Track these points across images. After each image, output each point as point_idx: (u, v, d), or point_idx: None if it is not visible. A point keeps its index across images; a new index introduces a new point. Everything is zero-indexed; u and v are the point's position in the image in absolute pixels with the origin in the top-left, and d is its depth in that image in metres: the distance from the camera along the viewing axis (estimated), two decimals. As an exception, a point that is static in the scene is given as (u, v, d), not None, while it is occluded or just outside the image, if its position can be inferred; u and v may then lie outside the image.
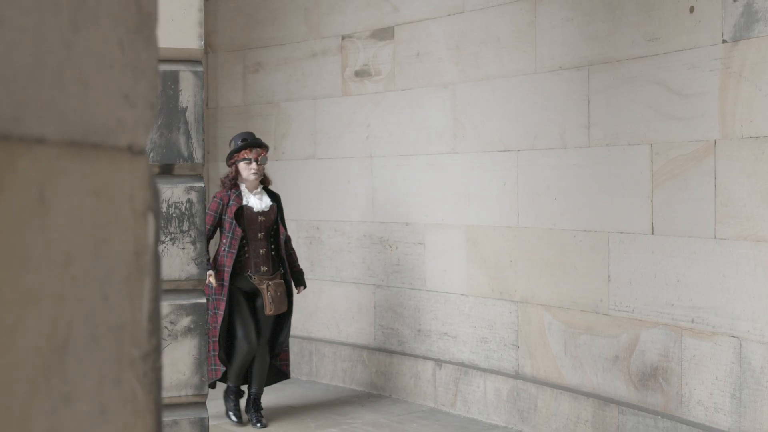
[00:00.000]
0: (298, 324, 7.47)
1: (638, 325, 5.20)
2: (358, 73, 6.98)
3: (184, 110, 3.28)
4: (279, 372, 6.11)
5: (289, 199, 7.50)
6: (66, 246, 0.74)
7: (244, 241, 5.84)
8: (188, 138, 3.29)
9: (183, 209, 3.32)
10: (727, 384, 4.69)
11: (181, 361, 3.31)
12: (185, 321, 3.32)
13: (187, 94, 3.28)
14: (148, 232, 0.87)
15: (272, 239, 5.98)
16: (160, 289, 0.90)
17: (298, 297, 7.45)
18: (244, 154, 5.88)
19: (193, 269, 3.32)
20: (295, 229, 7.47)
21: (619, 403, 5.29)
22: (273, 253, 5.96)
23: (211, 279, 5.74)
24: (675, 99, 4.96)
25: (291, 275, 6.04)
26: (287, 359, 6.12)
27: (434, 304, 6.50)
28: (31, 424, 0.70)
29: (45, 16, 0.73)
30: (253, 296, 5.94)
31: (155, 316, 0.88)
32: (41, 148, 0.72)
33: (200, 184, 3.34)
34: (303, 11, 7.32)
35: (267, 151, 6.01)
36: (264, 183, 6.03)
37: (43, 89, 0.73)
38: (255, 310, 5.94)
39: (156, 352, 0.89)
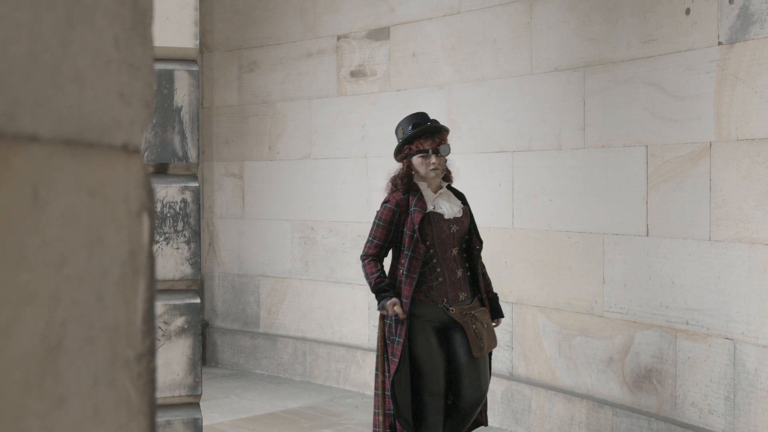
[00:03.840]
0: (292, 324, 7.46)
1: (633, 326, 5.20)
2: (353, 73, 6.97)
3: (179, 109, 3.27)
4: (474, 421, 4.53)
5: (283, 199, 7.49)
6: (60, 245, 0.74)
7: (435, 261, 4.34)
8: (183, 137, 3.28)
9: (177, 209, 3.31)
10: (721, 386, 4.69)
11: (174, 361, 3.30)
12: (179, 321, 3.31)
13: (182, 93, 3.27)
14: (143, 232, 0.86)
15: (465, 254, 4.50)
16: (154, 290, 0.89)
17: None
18: (419, 144, 4.39)
19: (187, 269, 3.31)
20: (289, 229, 7.46)
21: (613, 404, 5.28)
22: (469, 273, 4.48)
23: (398, 309, 4.25)
24: (671, 101, 4.97)
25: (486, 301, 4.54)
26: (485, 404, 4.54)
27: (429, 305, 6.50)
28: (25, 425, 0.69)
29: (40, 12, 0.72)
30: (444, 332, 4.41)
31: (150, 316, 0.88)
32: (35, 146, 0.71)
33: (195, 184, 3.33)
34: (299, 11, 7.32)
35: (448, 134, 4.49)
36: (447, 179, 4.54)
37: (38, 86, 0.72)
38: (447, 351, 4.41)
39: (150, 353, 0.88)
